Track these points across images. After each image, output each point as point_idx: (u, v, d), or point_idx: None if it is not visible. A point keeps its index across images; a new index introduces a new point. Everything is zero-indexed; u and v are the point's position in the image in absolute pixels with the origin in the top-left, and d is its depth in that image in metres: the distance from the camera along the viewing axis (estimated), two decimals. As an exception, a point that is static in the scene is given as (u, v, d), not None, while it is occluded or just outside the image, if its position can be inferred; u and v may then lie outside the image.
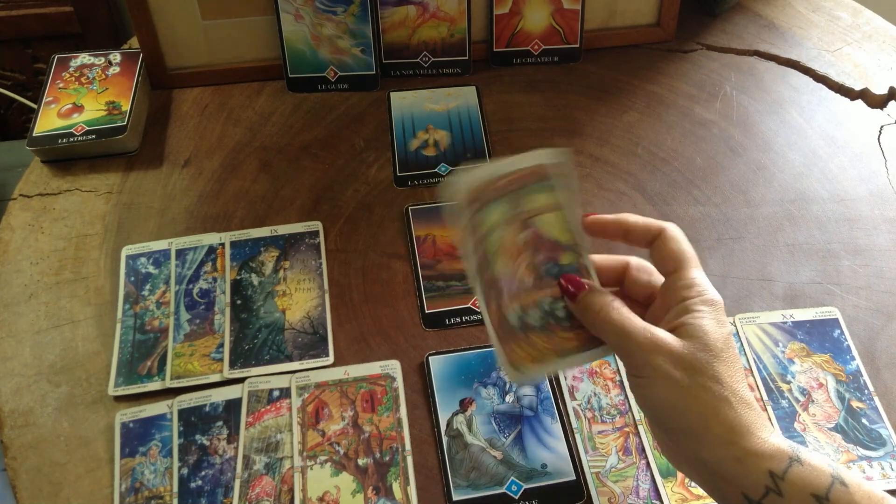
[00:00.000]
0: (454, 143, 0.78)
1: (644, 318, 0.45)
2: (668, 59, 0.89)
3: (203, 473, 0.57)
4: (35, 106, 0.79)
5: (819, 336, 0.64)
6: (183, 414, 0.59)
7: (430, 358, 0.62)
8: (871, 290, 0.67)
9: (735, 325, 0.64)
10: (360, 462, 0.57)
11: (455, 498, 0.56)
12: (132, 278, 0.67)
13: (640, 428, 0.59)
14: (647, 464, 0.57)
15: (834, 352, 0.63)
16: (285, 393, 0.60)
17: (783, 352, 0.63)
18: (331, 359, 0.63)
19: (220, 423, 0.59)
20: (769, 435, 0.42)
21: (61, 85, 0.81)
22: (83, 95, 0.80)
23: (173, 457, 0.57)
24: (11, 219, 0.73)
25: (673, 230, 0.47)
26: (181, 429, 0.59)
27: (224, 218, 0.72)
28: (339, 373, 0.61)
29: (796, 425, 0.59)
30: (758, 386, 0.61)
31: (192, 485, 0.56)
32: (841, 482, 0.40)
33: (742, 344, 0.63)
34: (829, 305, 0.66)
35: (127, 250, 0.69)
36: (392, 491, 0.56)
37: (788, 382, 0.61)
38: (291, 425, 0.59)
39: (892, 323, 0.66)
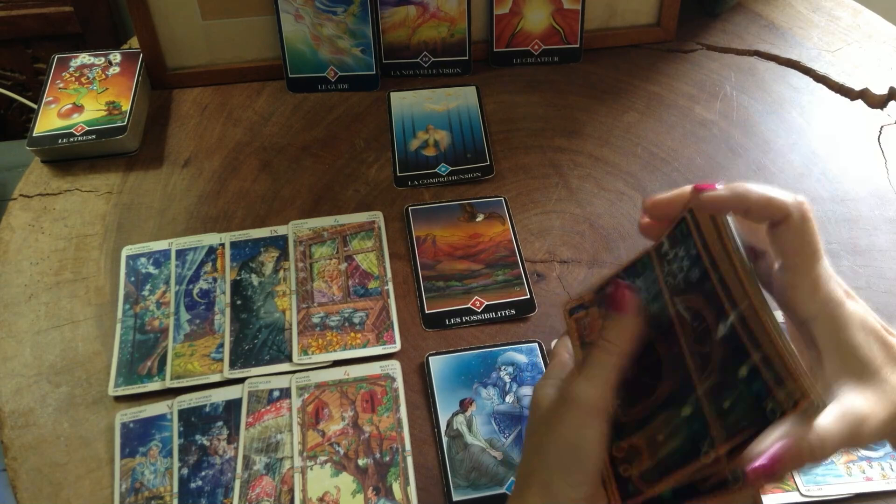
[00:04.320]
0: (454, 143, 0.78)
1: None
2: (668, 59, 0.88)
3: (203, 474, 0.57)
4: (35, 106, 0.79)
5: (819, 336, 0.64)
6: (183, 414, 0.59)
7: (430, 358, 0.62)
8: (872, 291, 0.67)
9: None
10: (361, 462, 0.57)
11: (455, 498, 0.56)
12: (132, 278, 0.67)
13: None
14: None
15: (834, 352, 0.63)
16: (285, 393, 0.60)
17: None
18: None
19: (220, 424, 0.59)
20: None
21: (61, 85, 0.81)
22: (83, 95, 0.80)
23: (173, 457, 0.57)
24: (11, 219, 0.73)
25: (801, 215, 0.39)
26: (181, 429, 0.59)
27: (224, 218, 0.72)
28: (339, 373, 0.61)
29: (796, 425, 0.59)
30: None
31: (193, 485, 0.56)
32: None
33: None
34: (830, 306, 0.66)
35: (127, 250, 0.69)
36: (392, 491, 0.56)
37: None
38: (291, 425, 0.59)
39: (892, 323, 0.65)
